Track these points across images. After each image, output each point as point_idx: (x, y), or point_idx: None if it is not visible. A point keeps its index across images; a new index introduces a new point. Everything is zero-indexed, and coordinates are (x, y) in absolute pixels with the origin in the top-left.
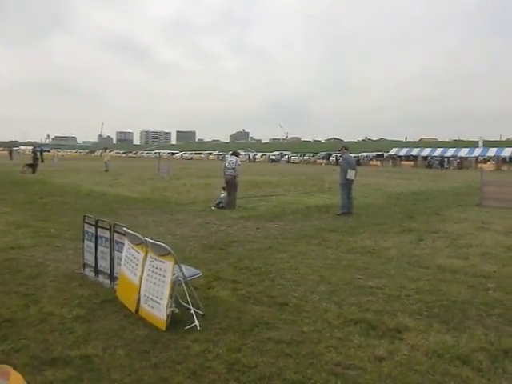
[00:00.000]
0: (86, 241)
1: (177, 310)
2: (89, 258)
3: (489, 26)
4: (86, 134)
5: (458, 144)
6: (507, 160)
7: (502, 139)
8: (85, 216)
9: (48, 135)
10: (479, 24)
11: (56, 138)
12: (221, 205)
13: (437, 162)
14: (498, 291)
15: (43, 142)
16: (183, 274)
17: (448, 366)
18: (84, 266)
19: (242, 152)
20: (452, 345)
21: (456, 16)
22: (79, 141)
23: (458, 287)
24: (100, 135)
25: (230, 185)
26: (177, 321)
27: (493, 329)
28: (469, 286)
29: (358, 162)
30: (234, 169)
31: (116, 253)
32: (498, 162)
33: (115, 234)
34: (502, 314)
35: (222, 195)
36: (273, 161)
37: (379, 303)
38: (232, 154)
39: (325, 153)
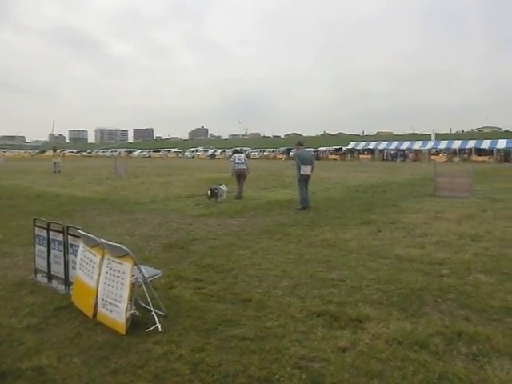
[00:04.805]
0: (37, 245)
1: (137, 313)
2: (41, 263)
3: (440, 25)
4: (36, 133)
5: (412, 137)
6: (457, 152)
7: (452, 132)
8: (35, 219)
9: None
10: (431, 24)
11: (2, 137)
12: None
13: (391, 157)
14: (452, 277)
15: None
16: (143, 274)
17: (407, 351)
18: (35, 271)
19: (201, 149)
20: (410, 331)
21: (409, 14)
22: (28, 140)
23: (415, 275)
24: (51, 134)
25: (241, 177)
26: (137, 323)
27: (447, 313)
28: (425, 273)
29: (318, 157)
30: (243, 163)
31: (70, 256)
32: (449, 153)
33: (69, 237)
34: (455, 299)
35: (221, 187)
36: None
37: (341, 295)
38: (237, 152)
39: (284, 148)
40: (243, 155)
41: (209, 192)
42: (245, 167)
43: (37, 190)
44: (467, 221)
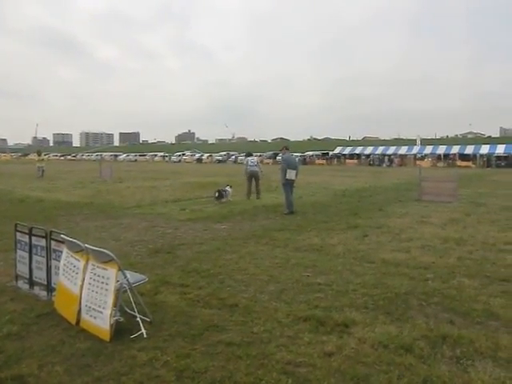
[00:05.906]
0: (18, 251)
1: (122, 319)
2: (22, 269)
3: (426, 32)
4: (19, 136)
5: (397, 142)
6: (442, 157)
7: (437, 137)
8: (16, 224)
9: None
10: (418, 31)
11: None
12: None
13: (377, 161)
14: (436, 281)
15: None
16: (128, 280)
17: (393, 355)
18: (16, 277)
19: (188, 153)
20: (396, 335)
21: (397, 21)
22: (10, 143)
23: (401, 279)
24: (35, 137)
25: (256, 178)
26: (122, 330)
27: (432, 316)
28: (410, 277)
29: (305, 161)
30: (256, 165)
31: (53, 262)
32: (434, 158)
33: (52, 242)
34: (440, 302)
35: (228, 189)
36: (219, 161)
37: (327, 299)
38: (249, 155)
39: (271, 152)
40: (256, 158)
41: (216, 193)
42: (257, 169)
43: (19, 194)
44: (452, 225)
